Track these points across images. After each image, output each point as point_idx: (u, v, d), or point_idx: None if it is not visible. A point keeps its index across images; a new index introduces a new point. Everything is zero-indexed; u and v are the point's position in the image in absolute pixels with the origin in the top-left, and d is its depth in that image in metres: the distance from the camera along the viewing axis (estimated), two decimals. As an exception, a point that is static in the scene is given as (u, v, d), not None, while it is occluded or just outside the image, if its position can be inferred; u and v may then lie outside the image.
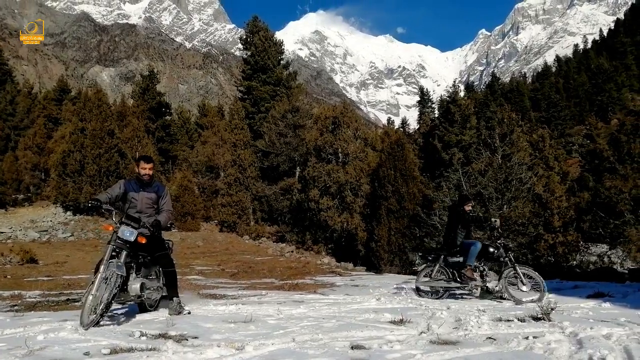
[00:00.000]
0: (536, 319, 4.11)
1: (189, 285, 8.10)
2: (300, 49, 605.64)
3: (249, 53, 36.01)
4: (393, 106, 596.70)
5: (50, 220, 29.23)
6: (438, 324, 3.93)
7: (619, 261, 12.87)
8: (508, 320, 4.11)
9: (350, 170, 23.92)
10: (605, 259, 13.37)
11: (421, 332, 3.66)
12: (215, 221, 31.96)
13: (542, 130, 28.93)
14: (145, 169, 5.33)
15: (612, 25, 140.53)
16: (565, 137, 71.82)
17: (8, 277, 9.10)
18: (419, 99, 67.38)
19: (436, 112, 51.95)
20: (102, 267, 4.38)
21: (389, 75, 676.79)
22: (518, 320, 4.09)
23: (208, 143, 40.82)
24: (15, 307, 5.07)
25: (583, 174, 16.54)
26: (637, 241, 11.01)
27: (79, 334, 3.48)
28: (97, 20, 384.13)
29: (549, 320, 4.00)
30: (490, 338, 3.36)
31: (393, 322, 4.17)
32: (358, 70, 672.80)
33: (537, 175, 21.50)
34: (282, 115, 30.16)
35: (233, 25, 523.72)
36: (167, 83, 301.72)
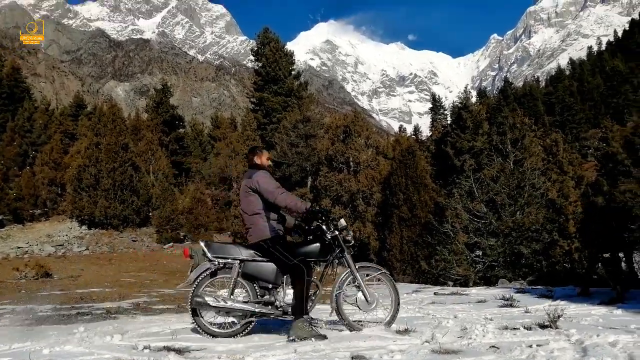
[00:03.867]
0: (543, 326, 4.05)
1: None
2: (312, 59, 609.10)
3: (260, 64, 36.39)
4: (405, 114, 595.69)
5: (66, 235, 29.69)
6: (442, 333, 3.90)
7: (637, 266, 12.62)
8: (514, 329, 4.05)
9: (362, 179, 23.91)
10: (623, 265, 13.11)
11: (424, 342, 3.64)
12: (229, 233, 32.12)
13: (555, 135, 28.64)
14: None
15: (627, 26, 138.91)
16: (581, 141, 70.88)
17: (22, 291, 9.24)
18: (430, 105, 67.19)
19: (448, 118, 51.73)
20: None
21: (401, 83, 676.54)
22: (524, 328, 4.04)
23: (221, 155, 41.18)
24: (27, 321, 5.16)
25: (598, 178, 16.28)
26: (653, 246, 10.84)
27: (84, 347, 3.54)
28: (112, 36, 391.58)
29: (556, 328, 3.94)
30: (493, 347, 3.32)
31: (398, 332, 4.14)
32: (369, 79, 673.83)
33: (550, 180, 21.26)
34: (294, 125, 30.31)
35: (245, 37, 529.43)
36: (181, 96, 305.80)
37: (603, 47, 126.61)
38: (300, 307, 4.05)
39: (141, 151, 38.06)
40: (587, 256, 12.53)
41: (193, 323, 4.19)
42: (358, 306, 4.41)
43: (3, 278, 12.12)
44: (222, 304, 4.11)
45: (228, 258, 4.23)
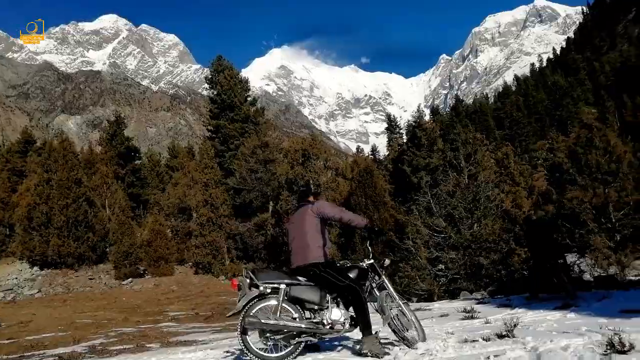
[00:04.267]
0: (501, 336, 4.14)
1: (160, 334, 7.86)
2: (268, 85, 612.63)
3: (215, 92, 36.26)
4: (362, 134, 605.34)
5: (16, 278, 28.18)
6: (404, 352, 3.92)
7: (589, 269, 13.12)
8: (473, 341, 4.12)
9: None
10: (576, 268, 13.61)
11: None
12: (190, 263, 31.42)
13: (506, 148, 29.78)
14: None
15: (564, 43, 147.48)
16: (530, 152, 73.87)
17: (-32, 342, 8.66)
18: (386, 125, 68.49)
19: (404, 137, 52.81)
20: None
21: (356, 105, 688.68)
22: (483, 339, 4.11)
23: (179, 185, 40.48)
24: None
25: (547, 187, 17.00)
26: (602, 248, 11.31)
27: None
28: (61, 69, 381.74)
29: (513, 337, 4.03)
30: None
31: (358, 354, 4.14)
32: (326, 102, 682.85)
33: (504, 191, 21.96)
34: (252, 151, 30.23)
35: (199, 65, 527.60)
36: (136, 127, 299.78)
37: (544, 64, 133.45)
38: (366, 323, 4.25)
39: (96, 185, 36.88)
40: (533, 264, 12.95)
41: (243, 347, 4.23)
42: (405, 327, 4.62)
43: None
44: (274, 322, 4.20)
45: (275, 283, 4.35)
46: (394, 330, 4.54)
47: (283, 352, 4.24)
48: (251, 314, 4.23)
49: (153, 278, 28.53)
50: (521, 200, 23.46)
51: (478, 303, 8.54)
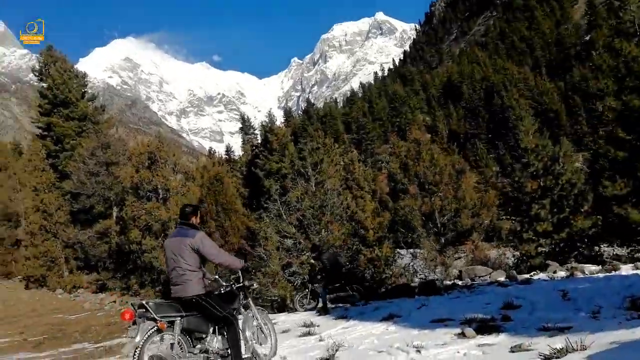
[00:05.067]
0: None
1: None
2: (111, 77, 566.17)
3: (45, 85, 32.45)
4: (217, 133, 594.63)
5: None
6: None
7: (421, 269, 14.76)
8: None
9: (172, 206, 23.03)
10: (410, 269, 15.18)
11: None
12: (19, 277, 27.83)
13: (351, 154, 31.89)
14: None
15: (402, 56, 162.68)
16: (375, 156, 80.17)
17: None
18: (241, 125, 68.17)
19: (259, 138, 53.27)
20: None
21: (209, 103, 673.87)
22: None
23: (3, 187, 35.55)
24: None
25: (383, 195, 18.71)
26: (430, 251, 12.86)
27: None
28: None
29: None
30: None
31: None
32: (176, 98, 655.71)
33: (352, 195, 23.50)
34: (91, 152, 27.80)
35: (26, 51, 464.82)
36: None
37: (386, 73, 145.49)
38: (238, 353, 4.59)
39: None
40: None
41: None
42: (260, 342, 5.18)
43: None
44: (177, 357, 4.33)
45: (171, 316, 4.46)
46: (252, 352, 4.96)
47: None
48: (146, 349, 4.26)
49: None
50: (365, 203, 25.39)
51: (319, 315, 9.07)
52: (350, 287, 11.20)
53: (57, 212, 27.73)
